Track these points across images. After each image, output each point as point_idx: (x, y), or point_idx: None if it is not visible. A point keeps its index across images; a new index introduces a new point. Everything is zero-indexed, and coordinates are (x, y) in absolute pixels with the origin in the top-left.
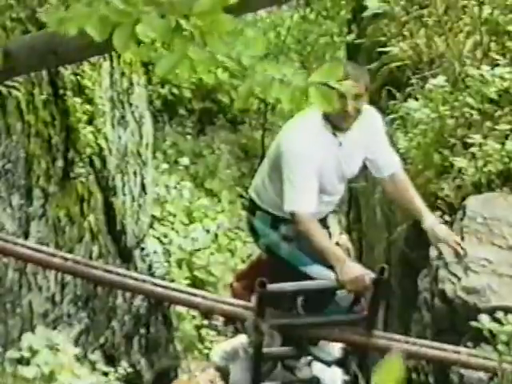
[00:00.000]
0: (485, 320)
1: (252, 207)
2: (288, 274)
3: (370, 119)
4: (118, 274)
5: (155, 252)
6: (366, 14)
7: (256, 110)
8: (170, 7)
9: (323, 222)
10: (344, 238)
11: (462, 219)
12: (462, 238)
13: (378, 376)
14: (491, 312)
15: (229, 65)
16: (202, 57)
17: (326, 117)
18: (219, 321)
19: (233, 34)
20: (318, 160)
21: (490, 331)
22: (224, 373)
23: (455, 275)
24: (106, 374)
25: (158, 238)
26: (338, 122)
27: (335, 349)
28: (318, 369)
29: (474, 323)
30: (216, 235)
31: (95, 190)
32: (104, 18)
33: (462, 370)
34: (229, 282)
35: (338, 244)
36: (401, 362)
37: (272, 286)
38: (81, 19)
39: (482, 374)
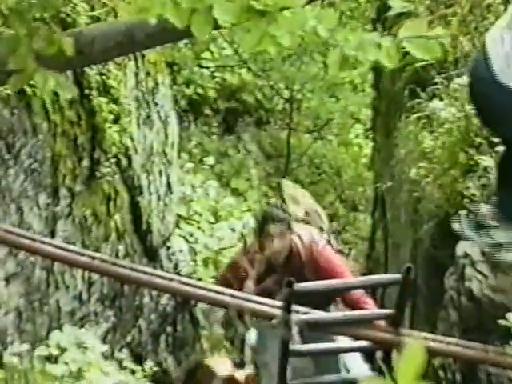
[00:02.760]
0: None
1: None
2: None
3: None
4: (145, 273)
5: (181, 251)
6: (390, 13)
7: (281, 110)
8: None
9: None
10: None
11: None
12: (488, 235)
13: (400, 367)
14: None
15: (306, 39)
16: (283, 32)
17: None
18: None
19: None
20: None
21: None
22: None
23: (482, 274)
24: (133, 372)
25: (184, 237)
26: None
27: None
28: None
29: (501, 321)
30: (242, 234)
31: (121, 190)
32: (178, 4)
33: (490, 369)
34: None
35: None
36: (423, 354)
37: (299, 286)
38: (157, 7)
39: (510, 373)
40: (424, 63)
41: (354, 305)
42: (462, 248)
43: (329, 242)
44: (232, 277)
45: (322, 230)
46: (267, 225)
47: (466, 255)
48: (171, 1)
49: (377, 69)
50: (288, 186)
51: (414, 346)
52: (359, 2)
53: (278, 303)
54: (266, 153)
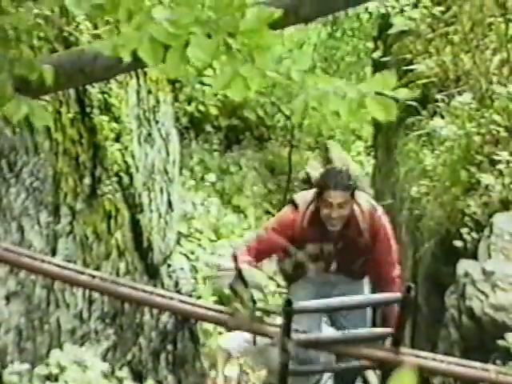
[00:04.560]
0: None
1: None
2: None
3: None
4: (145, 291)
5: (182, 269)
6: (391, 31)
7: (283, 127)
8: (216, 27)
9: None
10: None
11: (489, 236)
12: (490, 256)
13: None
14: None
15: (279, 80)
16: (254, 74)
17: None
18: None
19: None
20: None
21: None
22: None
23: (483, 292)
24: None
25: (185, 255)
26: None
27: None
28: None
29: (502, 341)
30: None
31: (122, 207)
32: (154, 41)
33: None
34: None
35: None
36: (413, 374)
37: (299, 304)
38: (132, 43)
39: None
40: (425, 81)
41: (387, 285)
42: (462, 266)
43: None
44: (278, 235)
45: (369, 194)
46: (328, 190)
47: (467, 274)
48: (148, 37)
49: None
50: (335, 146)
51: (407, 367)
52: (361, 20)
53: (279, 322)
54: (268, 170)
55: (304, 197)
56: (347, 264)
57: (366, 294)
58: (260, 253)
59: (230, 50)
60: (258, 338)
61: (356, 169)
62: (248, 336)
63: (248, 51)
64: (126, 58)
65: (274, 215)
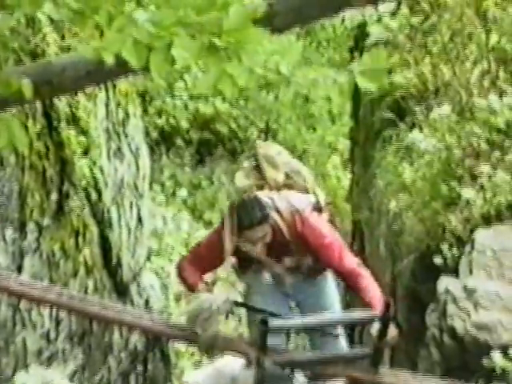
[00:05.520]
0: (497, 357)
1: None
2: None
3: None
4: (114, 310)
5: (152, 286)
6: (368, 41)
7: (255, 139)
8: (199, 27)
9: None
10: None
11: (470, 252)
12: (471, 272)
13: None
14: (503, 349)
15: (268, 75)
16: (241, 71)
17: None
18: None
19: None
20: None
21: (503, 369)
22: None
23: (465, 311)
24: None
25: (156, 272)
26: None
27: None
28: None
29: (485, 361)
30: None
31: (90, 223)
32: (137, 43)
33: None
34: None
35: None
36: None
37: (274, 323)
38: (115, 46)
39: None
40: (403, 92)
41: (347, 279)
42: (443, 283)
43: (317, 205)
44: (206, 255)
45: (306, 191)
46: (245, 231)
47: (448, 291)
48: (131, 38)
49: (355, 98)
50: (262, 146)
51: None
52: (336, 34)
53: (253, 341)
54: None
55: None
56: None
57: (328, 288)
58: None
59: (215, 49)
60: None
61: (291, 161)
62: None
63: (234, 49)
64: (109, 61)
65: None
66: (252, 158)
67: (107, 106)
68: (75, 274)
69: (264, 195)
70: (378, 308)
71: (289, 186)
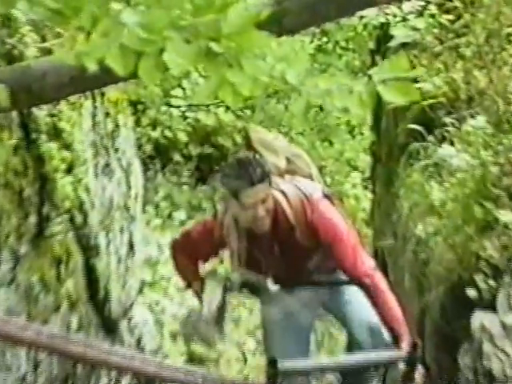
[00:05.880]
0: None
1: None
2: None
3: None
4: (102, 350)
5: (145, 322)
6: (392, 43)
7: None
8: (194, 31)
9: None
10: None
11: (509, 284)
12: (510, 307)
13: None
14: None
15: (274, 85)
16: (243, 79)
17: None
18: None
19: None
20: None
21: None
22: None
23: (503, 351)
24: None
25: (149, 306)
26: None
27: None
28: None
29: None
30: None
31: (74, 251)
32: (125, 47)
33: None
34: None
35: None
36: None
37: (285, 365)
38: (100, 51)
39: None
40: (432, 101)
41: (362, 285)
42: (478, 319)
43: (327, 193)
44: (190, 251)
45: (311, 178)
46: (243, 189)
47: (484, 328)
48: (116, 43)
49: (376, 107)
50: (256, 131)
51: None
52: (357, 31)
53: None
54: None
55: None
56: (297, 271)
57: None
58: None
59: (213, 54)
60: None
61: (291, 146)
62: None
63: (234, 55)
64: (92, 68)
65: None
66: (247, 146)
67: (94, 116)
68: (57, 309)
69: None
70: (402, 337)
71: (291, 172)
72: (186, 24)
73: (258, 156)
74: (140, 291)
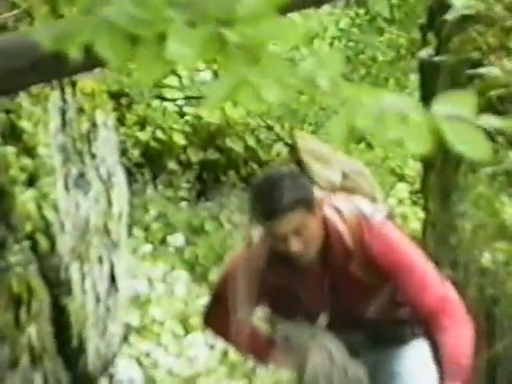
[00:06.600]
0: None
1: None
2: None
3: None
4: None
5: (132, 380)
6: (449, 16)
7: (284, 160)
8: (201, 12)
9: None
10: None
11: None
12: None
13: None
14: None
15: (301, 89)
16: (267, 80)
17: None
18: None
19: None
20: None
21: None
22: None
23: None
24: None
25: (137, 359)
26: None
27: None
28: None
29: None
30: (225, 352)
31: (38, 287)
32: (115, 29)
33: None
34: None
35: None
36: None
37: None
38: (84, 33)
39: None
40: (501, 91)
41: (427, 324)
42: None
43: (389, 216)
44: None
45: (374, 200)
46: (266, 221)
47: None
48: (106, 24)
49: (426, 96)
50: (305, 138)
51: None
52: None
53: None
54: None
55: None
56: (350, 313)
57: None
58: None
59: (226, 44)
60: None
61: (351, 161)
62: None
63: (251, 48)
64: (75, 55)
65: None
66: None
67: (64, 112)
68: (15, 365)
69: None
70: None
71: (349, 190)
72: (188, 1)
73: (300, 172)
74: (125, 339)
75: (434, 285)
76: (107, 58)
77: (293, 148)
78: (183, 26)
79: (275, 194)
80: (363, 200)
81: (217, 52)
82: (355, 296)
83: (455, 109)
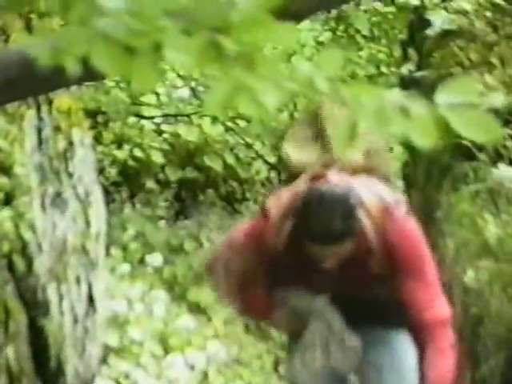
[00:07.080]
0: None
1: None
2: None
3: None
4: None
5: None
6: (430, 31)
7: (265, 181)
8: (196, 21)
9: None
10: None
11: None
12: None
13: None
14: None
15: (300, 93)
16: (266, 85)
17: None
18: None
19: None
20: None
21: None
22: None
23: None
24: None
25: (117, 380)
26: None
27: None
28: None
29: None
30: (205, 373)
31: (15, 308)
32: (110, 40)
33: None
34: None
35: None
36: None
37: None
38: (80, 46)
39: None
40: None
41: (419, 335)
42: None
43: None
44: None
45: (388, 180)
46: (311, 244)
47: None
48: (102, 35)
49: None
50: (329, 106)
51: None
52: (384, 15)
53: None
54: None
55: (280, 202)
56: (348, 293)
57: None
58: None
59: (222, 51)
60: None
61: (372, 136)
62: None
63: (247, 54)
64: (72, 69)
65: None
66: (309, 122)
67: (40, 130)
68: None
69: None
70: None
71: (368, 171)
72: (180, 8)
73: (349, 192)
74: (104, 360)
75: (434, 302)
76: (104, 69)
77: (316, 116)
78: (179, 35)
79: (326, 222)
80: (382, 186)
81: (213, 59)
82: (359, 281)
83: (459, 97)
